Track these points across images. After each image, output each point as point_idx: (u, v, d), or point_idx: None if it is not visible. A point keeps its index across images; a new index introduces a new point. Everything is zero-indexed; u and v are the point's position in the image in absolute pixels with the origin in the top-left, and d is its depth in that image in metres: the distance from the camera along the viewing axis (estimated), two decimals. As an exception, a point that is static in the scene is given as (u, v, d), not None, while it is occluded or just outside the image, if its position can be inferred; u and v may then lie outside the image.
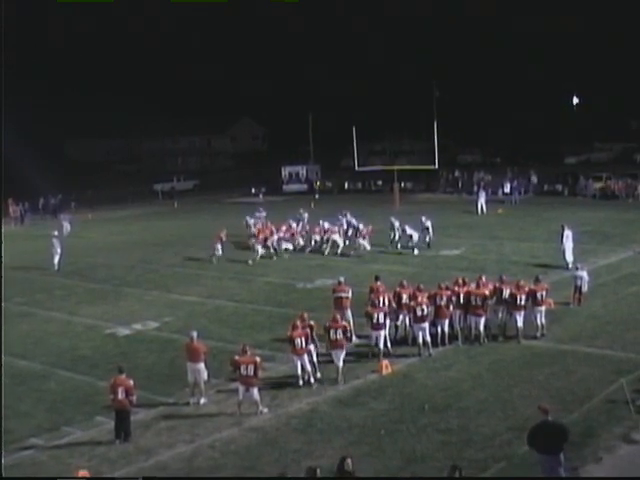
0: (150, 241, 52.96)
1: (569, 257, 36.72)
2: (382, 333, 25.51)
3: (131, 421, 20.55)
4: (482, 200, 58.71)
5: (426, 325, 25.76)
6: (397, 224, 44.46)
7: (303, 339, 23.27)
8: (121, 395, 20.37)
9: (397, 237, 44.53)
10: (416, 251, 42.52)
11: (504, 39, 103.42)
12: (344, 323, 24.28)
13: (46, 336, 30.52)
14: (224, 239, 44.66)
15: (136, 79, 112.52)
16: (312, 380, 23.40)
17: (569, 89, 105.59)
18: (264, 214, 49.83)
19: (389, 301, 26.67)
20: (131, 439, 20.16)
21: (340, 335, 23.70)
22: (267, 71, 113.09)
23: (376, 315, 25.49)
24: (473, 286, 27.01)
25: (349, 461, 15.13)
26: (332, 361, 23.84)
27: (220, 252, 43.90)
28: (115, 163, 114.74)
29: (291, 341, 23.42)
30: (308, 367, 23.39)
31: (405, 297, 26.81)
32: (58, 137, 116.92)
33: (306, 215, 50.09)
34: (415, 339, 26.08)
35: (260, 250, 43.36)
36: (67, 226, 57.73)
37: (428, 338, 25.75)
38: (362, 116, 79.00)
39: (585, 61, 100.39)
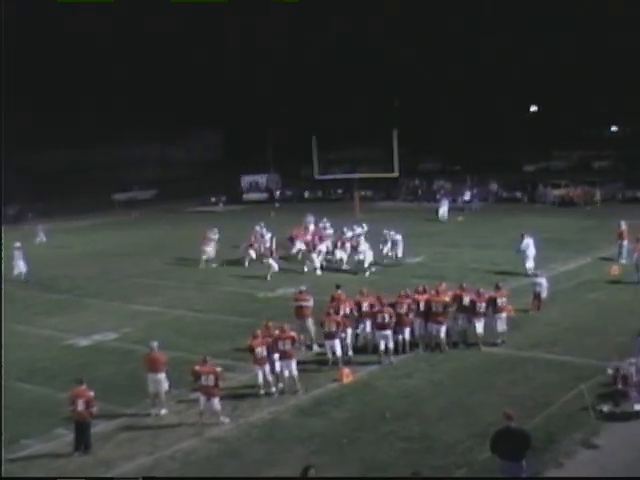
0: (109, 251, 52.64)
1: (530, 264, 36.87)
2: (336, 342, 25.49)
3: (91, 433, 20.37)
4: (445, 208, 58.96)
5: (389, 332, 25.78)
6: (398, 237, 42.56)
7: (264, 348, 23.23)
8: (81, 406, 20.20)
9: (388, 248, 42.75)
10: (367, 273, 39.89)
11: (465, 50, 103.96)
12: (292, 334, 24.09)
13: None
14: (209, 240, 44.85)
15: (91, 89, 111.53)
16: (273, 390, 23.33)
17: (527, 98, 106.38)
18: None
19: (350, 309, 26.71)
20: (91, 451, 19.99)
21: (288, 346, 23.63)
22: (225, 79, 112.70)
23: (327, 324, 25.53)
24: (433, 293, 27.09)
25: (312, 471, 15.06)
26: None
27: (208, 255, 44.16)
28: (71, 173, 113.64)
29: (251, 350, 23.38)
30: (269, 377, 23.33)
31: (365, 305, 26.86)
32: (10, 148, 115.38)
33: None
34: (376, 347, 26.12)
35: (316, 258, 41.79)
36: (42, 236, 57.35)
37: (391, 345, 25.78)
38: (322, 125, 79.06)
39: (543, 70, 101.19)
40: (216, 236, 46.13)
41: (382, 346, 25.70)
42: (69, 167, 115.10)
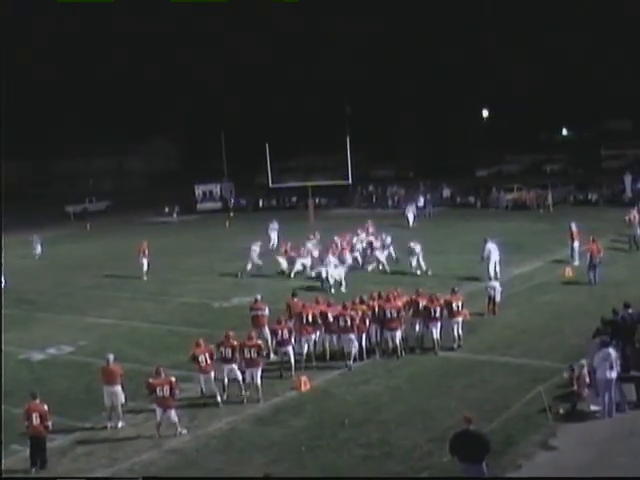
0: (63, 264, 52.15)
1: (492, 270, 36.97)
2: (289, 349, 25.58)
3: (47, 448, 20.13)
4: (412, 213, 58.89)
5: (353, 336, 25.83)
6: (418, 248, 40.94)
7: (207, 356, 23.16)
8: (36, 421, 19.96)
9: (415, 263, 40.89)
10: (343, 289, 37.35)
11: (413, 55, 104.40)
12: (258, 342, 24.16)
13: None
14: (147, 252, 44.37)
15: (46, 98, 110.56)
16: (218, 399, 23.27)
17: (479, 102, 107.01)
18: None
19: (313, 316, 26.68)
20: (47, 466, 19.74)
21: (255, 354, 23.60)
22: (181, 89, 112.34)
23: (280, 332, 25.53)
24: (387, 299, 27.13)
25: None
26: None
27: (146, 267, 43.84)
28: (27, 186, 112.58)
29: (194, 359, 23.37)
30: (212, 386, 23.25)
31: (317, 313, 26.93)
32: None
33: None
34: (334, 354, 26.25)
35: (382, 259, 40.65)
36: (38, 247, 56.48)
37: (353, 350, 25.82)
38: (275, 133, 79.02)
39: (494, 74, 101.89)
40: (258, 248, 43.68)
41: (347, 349, 25.80)
42: (24, 180, 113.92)
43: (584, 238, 38.60)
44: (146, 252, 44.44)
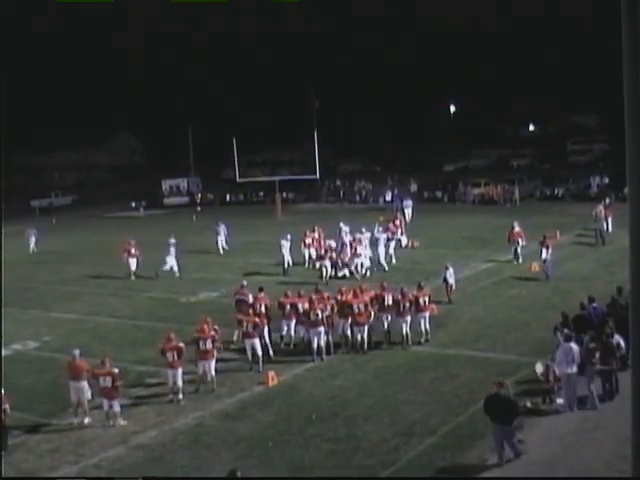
0: (28, 259, 51.75)
1: (382, 260, 38.56)
2: (255, 341, 25.52)
3: (10, 444, 19.97)
4: (410, 208, 57.52)
5: (322, 329, 25.82)
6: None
7: (175, 353, 23.05)
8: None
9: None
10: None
11: (384, 50, 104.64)
12: (212, 333, 24.09)
13: None
14: (134, 252, 42.60)
15: (9, 92, 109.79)
16: (180, 396, 23.16)
17: (446, 97, 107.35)
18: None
19: (266, 307, 26.92)
20: (10, 453, 19.61)
21: (210, 345, 23.61)
22: (146, 82, 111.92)
23: (245, 324, 25.53)
24: (354, 294, 27.16)
25: (238, 473, 14.98)
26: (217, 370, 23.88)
27: (134, 267, 42.24)
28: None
29: (163, 354, 23.33)
30: (179, 382, 23.16)
31: (288, 306, 26.98)
32: None
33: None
34: (303, 348, 26.23)
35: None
36: (33, 242, 55.59)
37: (322, 343, 25.83)
38: (242, 127, 78.85)
39: (461, 69, 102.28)
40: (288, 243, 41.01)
41: (315, 343, 25.77)
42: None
43: (529, 236, 39.01)
44: (132, 251, 42.61)
